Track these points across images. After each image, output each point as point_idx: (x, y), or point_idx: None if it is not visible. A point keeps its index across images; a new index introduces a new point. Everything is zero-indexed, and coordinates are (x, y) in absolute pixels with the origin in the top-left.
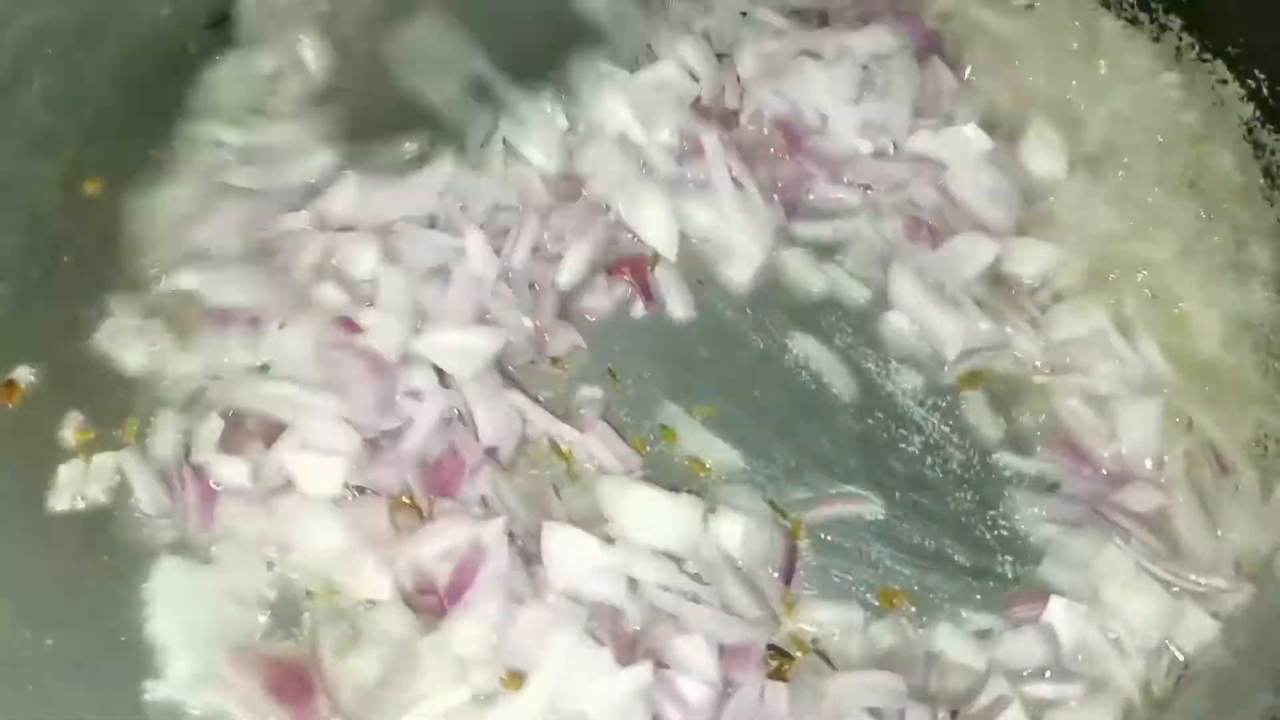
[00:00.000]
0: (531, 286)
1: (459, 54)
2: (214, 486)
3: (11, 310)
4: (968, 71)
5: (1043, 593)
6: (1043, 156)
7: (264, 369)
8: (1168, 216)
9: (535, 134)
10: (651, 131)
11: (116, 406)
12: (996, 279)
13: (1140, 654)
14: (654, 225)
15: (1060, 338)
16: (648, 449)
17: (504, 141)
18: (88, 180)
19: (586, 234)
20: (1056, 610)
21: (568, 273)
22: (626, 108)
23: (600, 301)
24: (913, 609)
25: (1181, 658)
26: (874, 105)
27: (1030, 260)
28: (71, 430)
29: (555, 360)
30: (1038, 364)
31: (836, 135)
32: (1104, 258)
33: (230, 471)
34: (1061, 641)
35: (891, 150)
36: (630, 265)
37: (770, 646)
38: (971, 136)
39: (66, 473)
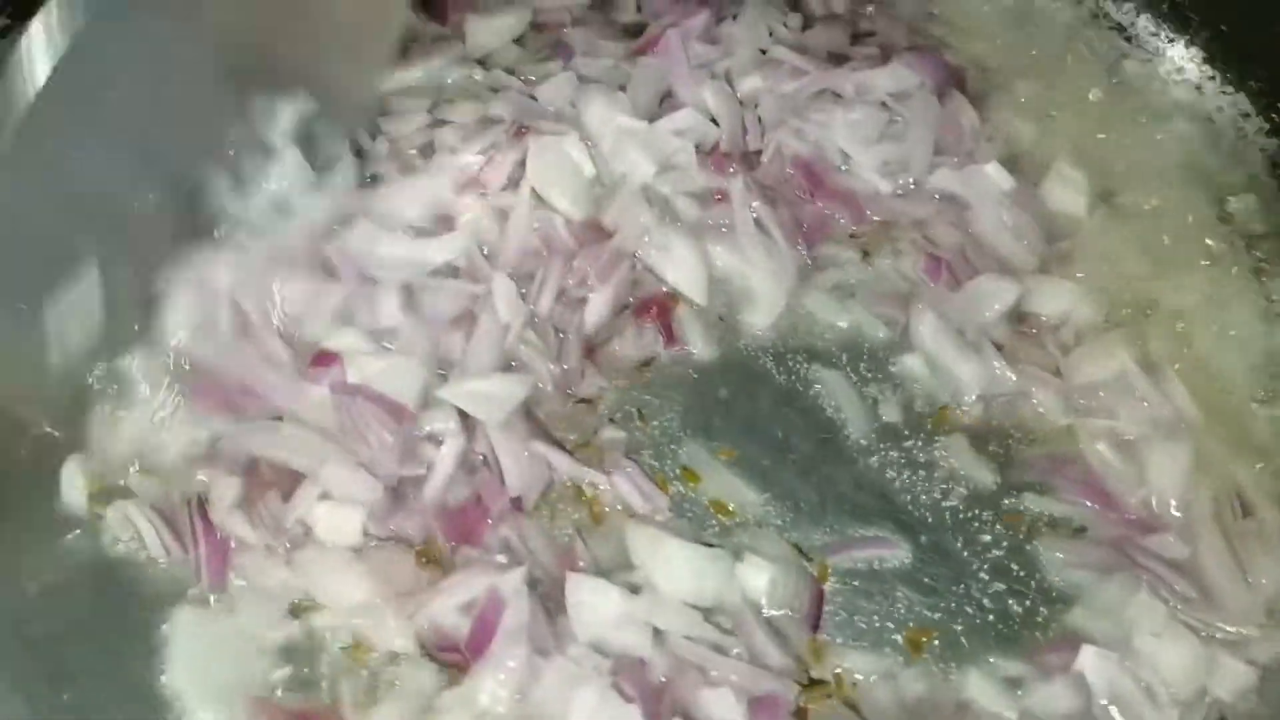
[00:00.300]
0: (556, 331)
1: None
2: (229, 542)
3: None
4: (989, 108)
5: (1073, 640)
6: (1065, 195)
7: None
8: (1192, 255)
9: (562, 180)
10: (675, 179)
11: (126, 455)
12: (1018, 318)
13: (1174, 704)
14: (683, 272)
15: (1084, 381)
16: (671, 490)
17: (531, 189)
18: None
19: (610, 277)
20: (1088, 659)
21: (593, 316)
22: (650, 161)
23: (624, 343)
24: (936, 643)
25: (1218, 708)
26: (894, 144)
27: (1052, 299)
28: (83, 479)
29: (581, 402)
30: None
31: (857, 174)
32: (1127, 298)
33: (247, 531)
34: (1094, 691)
35: (912, 188)
36: (655, 306)
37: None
38: (993, 174)
39: (85, 519)
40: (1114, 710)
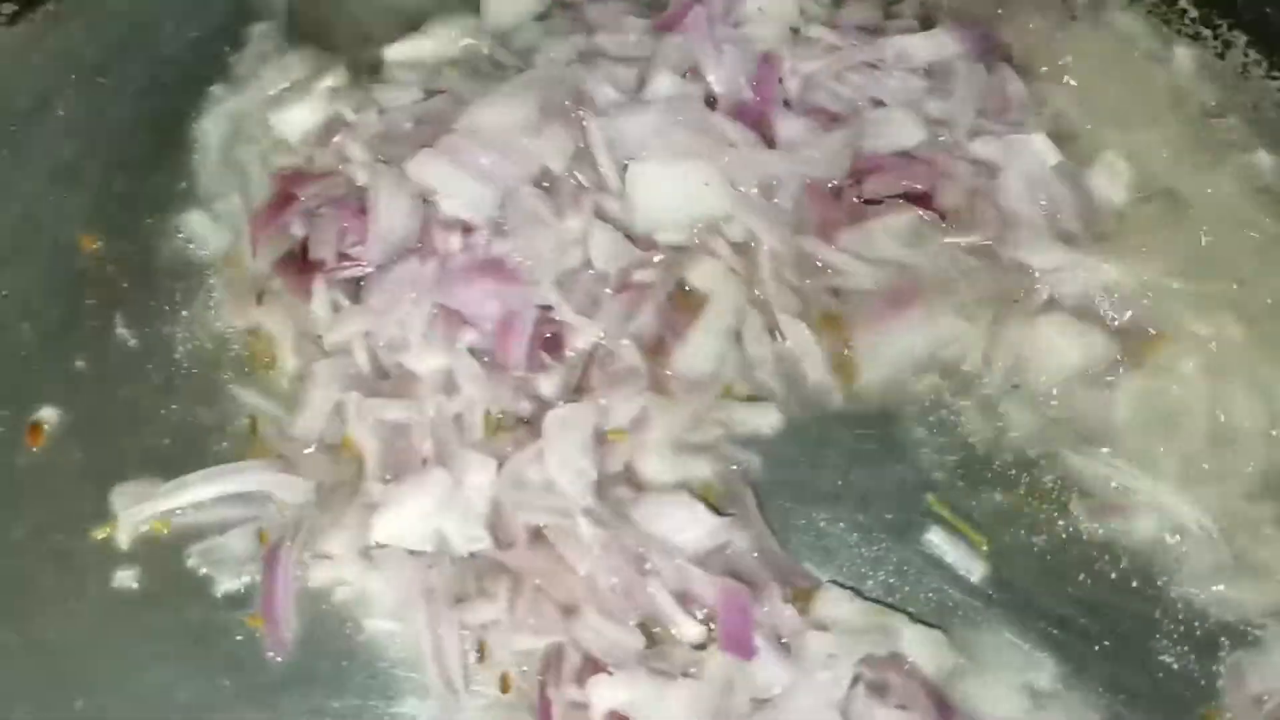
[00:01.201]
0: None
1: None
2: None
3: (35, 350)
4: (1035, 88)
5: None
6: (1107, 184)
7: None
8: (1230, 256)
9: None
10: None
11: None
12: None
13: None
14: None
15: None
16: None
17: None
18: (88, 238)
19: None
20: None
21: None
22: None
23: None
24: None
25: None
26: (936, 103)
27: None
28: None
29: None
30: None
31: (895, 133)
32: (1158, 297)
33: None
34: None
35: (954, 151)
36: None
37: None
38: (1040, 146)
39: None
40: None
